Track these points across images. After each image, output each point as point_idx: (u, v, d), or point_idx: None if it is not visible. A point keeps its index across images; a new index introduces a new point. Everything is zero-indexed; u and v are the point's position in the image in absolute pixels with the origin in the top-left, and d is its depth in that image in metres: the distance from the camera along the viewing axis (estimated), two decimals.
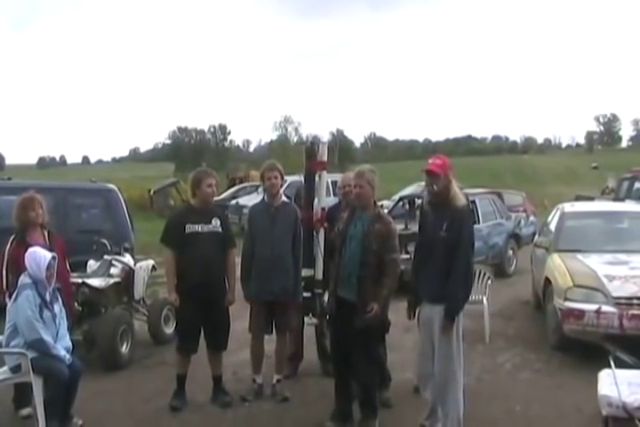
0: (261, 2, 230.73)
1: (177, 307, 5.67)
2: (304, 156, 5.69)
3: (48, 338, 4.91)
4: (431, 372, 4.90)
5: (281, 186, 5.92)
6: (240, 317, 5.91)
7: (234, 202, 20.69)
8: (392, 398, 5.65)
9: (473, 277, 5.77)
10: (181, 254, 5.61)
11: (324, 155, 5.61)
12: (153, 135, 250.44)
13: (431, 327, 4.86)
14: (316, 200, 5.72)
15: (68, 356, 5.01)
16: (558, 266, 7.57)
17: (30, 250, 5.08)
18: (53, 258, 5.05)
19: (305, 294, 5.55)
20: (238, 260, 5.90)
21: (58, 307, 5.12)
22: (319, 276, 5.50)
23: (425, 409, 5.02)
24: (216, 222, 5.69)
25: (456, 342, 4.81)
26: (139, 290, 7.73)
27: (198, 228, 5.62)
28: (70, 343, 5.17)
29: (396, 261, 4.92)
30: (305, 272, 5.46)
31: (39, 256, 5.01)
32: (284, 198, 5.97)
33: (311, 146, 5.80)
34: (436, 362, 4.83)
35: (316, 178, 5.68)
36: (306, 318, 5.65)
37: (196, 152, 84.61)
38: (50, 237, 5.54)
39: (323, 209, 5.70)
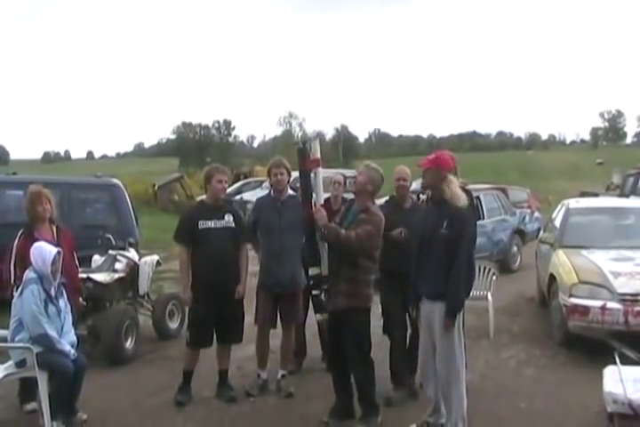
0: None
1: (190, 304, 5.71)
2: (297, 157, 5.58)
3: (53, 333, 4.91)
4: (433, 369, 4.88)
5: (288, 182, 5.92)
6: (246, 311, 5.91)
7: (238, 197, 20.73)
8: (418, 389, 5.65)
9: (477, 274, 5.73)
10: (195, 250, 5.62)
11: (316, 152, 5.52)
12: (157, 130, 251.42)
13: (431, 324, 4.85)
14: (314, 197, 5.67)
15: (72, 351, 5.01)
16: (563, 262, 7.54)
17: (35, 245, 5.09)
18: (58, 253, 5.05)
19: (314, 292, 5.54)
20: (252, 254, 5.94)
21: (63, 302, 5.11)
22: (325, 272, 5.48)
23: (429, 406, 5.01)
24: (229, 218, 5.71)
25: (457, 339, 4.79)
26: (143, 285, 7.74)
27: (211, 224, 5.63)
28: (75, 338, 5.18)
29: (359, 235, 4.85)
30: (312, 271, 5.45)
31: (44, 251, 5.01)
32: (290, 192, 5.98)
33: (303, 146, 5.66)
34: (438, 359, 4.81)
35: (312, 175, 5.59)
36: (318, 315, 5.64)
37: (200, 147, 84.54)
38: (58, 232, 5.54)
39: (322, 206, 5.67)
